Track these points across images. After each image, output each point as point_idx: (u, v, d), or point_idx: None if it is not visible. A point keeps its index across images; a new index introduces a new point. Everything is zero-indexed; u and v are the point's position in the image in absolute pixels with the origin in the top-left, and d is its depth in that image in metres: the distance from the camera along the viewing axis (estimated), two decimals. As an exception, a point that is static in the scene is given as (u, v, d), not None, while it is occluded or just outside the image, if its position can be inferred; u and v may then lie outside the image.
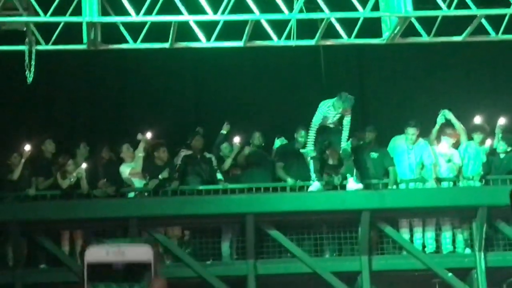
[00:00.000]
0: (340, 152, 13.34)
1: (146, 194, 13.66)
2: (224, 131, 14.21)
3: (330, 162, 13.64)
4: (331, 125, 13.29)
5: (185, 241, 13.57)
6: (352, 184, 13.28)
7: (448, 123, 13.86)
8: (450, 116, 13.80)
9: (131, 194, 13.65)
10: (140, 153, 13.56)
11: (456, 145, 13.94)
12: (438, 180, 13.75)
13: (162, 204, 13.35)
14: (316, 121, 13.19)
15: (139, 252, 3.30)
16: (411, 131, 13.69)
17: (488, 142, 13.89)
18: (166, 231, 13.56)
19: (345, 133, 13.24)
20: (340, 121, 13.25)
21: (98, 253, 3.32)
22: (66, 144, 14.15)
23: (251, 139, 14.19)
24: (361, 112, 16.01)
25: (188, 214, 13.25)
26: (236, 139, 13.83)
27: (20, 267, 13.05)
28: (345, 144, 13.27)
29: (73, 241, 13.38)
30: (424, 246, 13.61)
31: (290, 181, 13.56)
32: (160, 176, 13.45)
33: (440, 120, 13.80)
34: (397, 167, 13.70)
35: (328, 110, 13.17)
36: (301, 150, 13.54)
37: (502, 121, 13.76)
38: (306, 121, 13.46)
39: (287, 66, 16.07)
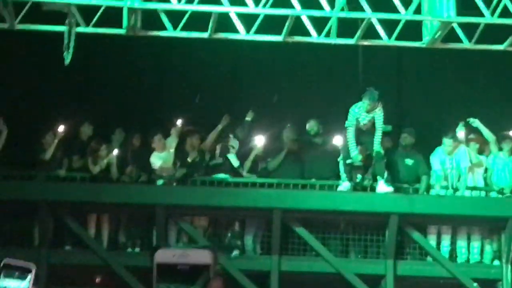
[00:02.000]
0: (374, 154, 13.25)
1: (174, 183, 13.66)
2: (248, 118, 14.17)
3: (349, 161, 13.48)
4: (363, 128, 13.23)
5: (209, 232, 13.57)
6: (383, 186, 13.19)
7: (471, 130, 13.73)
8: (478, 123, 13.66)
9: (160, 182, 13.68)
10: (171, 148, 13.60)
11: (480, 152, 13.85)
12: (470, 188, 13.62)
13: (190, 193, 13.36)
14: (349, 124, 13.13)
15: (201, 255, 3.86)
16: (448, 143, 13.55)
17: None
18: (192, 221, 13.56)
19: (378, 134, 13.16)
20: (372, 122, 13.17)
21: (166, 255, 3.81)
22: (101, 129, 14.21)
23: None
24: (397, 115, 15.91)
25: (215, 206, 13.25)
26: (259, 141, 13.70)
27: (46, 247, 13.13)
28: (378, 145, 13.19)
29: (99, 224, 13.44)
30: (451, 255, 13.49)
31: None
32: (188, 159, 13.49)
33: (459, 129, 13.65)
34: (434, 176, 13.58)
35: (359, 112, 13.12)
36: (348, 161, 13.31)
37: None
38: (341, 122, 13.40)
39: (325, 64, 15.99)
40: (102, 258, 13.17)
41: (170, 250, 3.82)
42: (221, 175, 13.63)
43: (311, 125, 14.05)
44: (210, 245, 3.94)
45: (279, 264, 13.18)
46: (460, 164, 13.58)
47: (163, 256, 3.76)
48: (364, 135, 13.26)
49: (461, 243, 13.53)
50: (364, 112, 13.08)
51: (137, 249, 13.36)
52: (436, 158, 13.69)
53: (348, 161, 13.24)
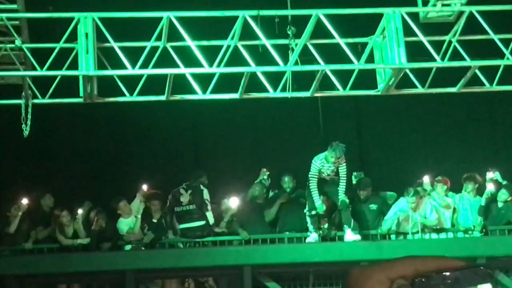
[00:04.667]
0: (339, 203, 13.30)
1: (142, 247, 13.59)
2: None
3: (313, 213, 13.50)
4: (327, 178, 13.28)
5: None
6: (350, 235, 13.23)
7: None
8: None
9: (128, 247, 13.59)
10: (138, 214, 13.54)
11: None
12: (437, 230, 13.70)
13: (159, 256, 13.28)
14: (312, 175, 13.16)
15: None
16: (410, 201, 13.56)
17: (490, 186, 13.81)
18: (163, 284, 13.47)
19: (342, 183, 13.22)
20: (336, 172, 13.24)
21: None
22: (65, 198, 14.12)
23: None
24: (359, 161, 16.04)
25: (185, 267, 13.18)
26: (233, 203, 13.70)
27: (17, 322, 12.95)
28: (343, 195, 13.25)
29: (69, 294, 13.32)
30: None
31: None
32: (154, 220, 13.45)
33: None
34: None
35: (322, 163, 13.16)
36: (312, 212, 13.32)
37: (490, 174, 13.81)
38: (306, 173, 13.44)
39: (285, 116, 16.12)
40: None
41: None
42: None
43: (286, 182, 13.99)
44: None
45: (253, 321, 13.10)
46: (428, 219, 13.65)
47: None
48: (327, 185, 13.31)
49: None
50: (327, 164, 13.13)
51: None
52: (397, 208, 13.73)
53: (313, 212, 13.27)
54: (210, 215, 13.47)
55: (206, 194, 13.51)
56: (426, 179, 13.91)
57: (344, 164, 13.17)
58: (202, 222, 13.41)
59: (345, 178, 13.26)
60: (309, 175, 13.18)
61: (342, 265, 13.21)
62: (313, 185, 13.13)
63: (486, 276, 1.70)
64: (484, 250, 13.22)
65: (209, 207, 13.45)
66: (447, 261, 1.56)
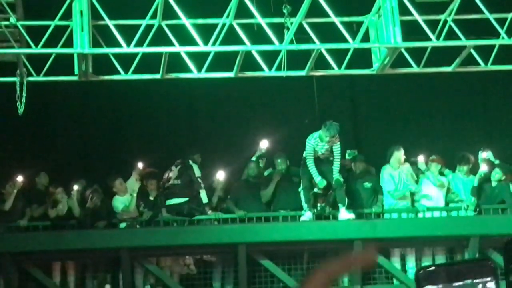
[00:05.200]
0: (333, 182, 13.34)
1: (137, 225, 13.64)
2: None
3: (316, 190, 13.58)
4: (321, 157, 13.32)
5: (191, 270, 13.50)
6: (344, 213, 13.28)
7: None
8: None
9: (123, 225, 13.64)
10: (133, 192, 13.57)
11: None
12: (430, 209, 13.78)
13: (154, 234, 13.32)
14: (308, 155, 13.20)
15: None
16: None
17: (483, 167, 13.87)
18: (158, 262, 13.52)
19: (336, 162, 13.26)
20: (330, 151, 13.27)
21: None
22: (59, 176, 14.13)
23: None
24: (354, 140, 16.07)
25: (180, 245, 13.22)
26: (220, 176, 13.74)
27: (12, 299, 13.01)
28: (337, 174, 13.28)
29: (64, 272, 13.34)
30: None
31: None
32: (150, 197, 13.45)
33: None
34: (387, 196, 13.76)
35: (316, 142, 13.19)
36: (315, 190, 13.39)
37: (484, 155, 13.85)
38: (300, 152, 13.48)
39: (281, 96, 16.12)
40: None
41: None
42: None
43: (279, 164, 14.01)
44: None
45: (248, 299, 13.17)
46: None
47: None
48: (322, 164, 13.34)
49: (426, 264, 13.61)
50: (322, 142, 13.16)
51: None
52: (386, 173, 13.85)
53: (316, 190, 13.31)
54: (203, 194, 13.48)
55: (196, 172, 13.50)
56: (421, 158, 13.97)
57: (338, 143, 13.20)
58: (184, 199, 13.42)
59: (340, 157, 13.30)
60: (306, 154, 13.21)
61: (337, 244, 13.29)
62: (310, 163, 13.16)
63: (489, 271, 1.71)
64: (477, 229, 13.29)
65: (202, 185, 13.46)
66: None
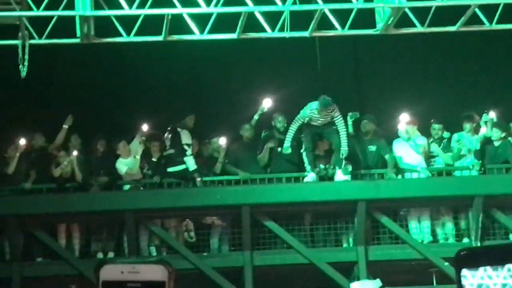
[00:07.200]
0: (341, 154, 13.31)
1: (141, 187, 13.67)
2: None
3: (316, 152, 13.59)
4: (319, 125, 13.34)
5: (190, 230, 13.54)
6: (340, 175, 13.33)
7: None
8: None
9: (127, 187, 13.67)
10: (137, 154, 13.58)
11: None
12: (434, 169, 13.78)
13: (158, 196, 13.36)
14: (297, 118, 13.24)
15: (154, 271, 3.27)
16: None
17: (483, 130, 13.84)
18: (162, 223, 13.58)
19: (342, 135, 13.27)
20: (327, 120, 13.28)
21: (114, 272, 3.27)
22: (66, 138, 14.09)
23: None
24: (358, 103, 16.01)
25: (184, 206, 13.26)
26: (222, 141, 13.72)
27: (17, 261, 13.07)
28: (345, 146, 13.26)
29: (69, 234, 13.41)
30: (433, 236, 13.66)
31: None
32: (153, 159, 13.44)
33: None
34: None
35: (312, 113, 13.23)
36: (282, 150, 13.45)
37: (492, 114, 13.78)
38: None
39: (283, 57, 16.05)
40: (75, 267, 13.13)
41: (118, 266, 3.24)
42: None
43: (279, 121, 13.96)
44: (164, 259, 3.05)
45: (252, 259, 13.23)
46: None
47: (110, 273, 3.24)
48: (323, 126, 13.38)
49: (424, 224, 13.66)
50: (317, 115, 13.23)
51: (110, 255, 13.33)
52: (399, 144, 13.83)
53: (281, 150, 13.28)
54: (189, 160, 13.44)
55: (185, 138, 13.48)
56: (401, 126, 13.86)
57: (339, 116, 13.22)
58: (182, 167, 13.45)
59: (344, 129, 13.31)
60: (298, 116, 13.26)
61: (340, 205, 13.33)
62: (294, 127, 13.22)
63: None
64: (481, 189, 13.30)
65: (188, 152, 13.43)
66: None
